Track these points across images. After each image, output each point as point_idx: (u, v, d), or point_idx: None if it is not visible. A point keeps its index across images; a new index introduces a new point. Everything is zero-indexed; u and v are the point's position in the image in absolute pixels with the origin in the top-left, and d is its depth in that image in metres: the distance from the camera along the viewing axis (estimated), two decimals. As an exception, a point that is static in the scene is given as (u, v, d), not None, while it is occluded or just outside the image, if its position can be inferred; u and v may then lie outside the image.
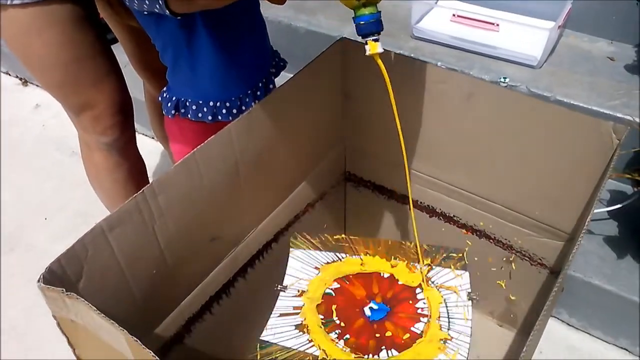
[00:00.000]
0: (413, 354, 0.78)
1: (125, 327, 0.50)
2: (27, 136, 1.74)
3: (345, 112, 1.01)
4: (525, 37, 1.27)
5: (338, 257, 0.91)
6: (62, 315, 0.57)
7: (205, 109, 0.86)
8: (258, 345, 0.80)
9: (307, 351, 0.78)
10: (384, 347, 0.79)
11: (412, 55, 1.31)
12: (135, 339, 0.49)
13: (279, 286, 0.85)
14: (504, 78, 1.23)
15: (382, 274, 0.89)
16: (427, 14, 1.41)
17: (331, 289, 0.87)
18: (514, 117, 0.82)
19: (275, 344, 0.79)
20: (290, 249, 0.88)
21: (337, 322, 0.82)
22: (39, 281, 0.55)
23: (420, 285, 0.87)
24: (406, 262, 0.90)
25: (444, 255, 0.89)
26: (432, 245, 0.90)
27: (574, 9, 1.30)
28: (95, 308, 0.51)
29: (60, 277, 0.58)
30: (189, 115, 0.87)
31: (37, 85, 1.95)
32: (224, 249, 0.85)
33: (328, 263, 0.89)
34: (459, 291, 0.84)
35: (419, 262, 0.89)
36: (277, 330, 0.81)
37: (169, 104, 0.87)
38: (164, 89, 0.89)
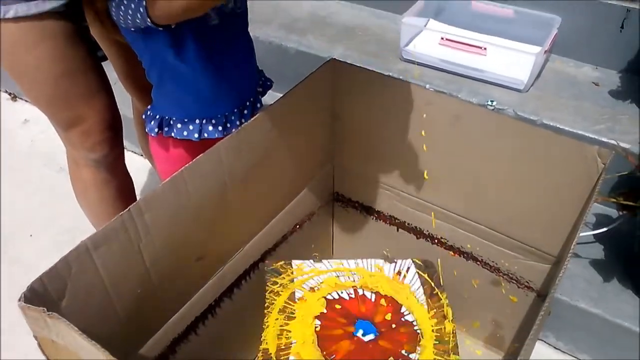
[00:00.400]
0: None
1: (109, 347, 0.49)
2: (15, 151, 1.73)
3: (334, 132, 1.01)
4: (512, 62, 1.29)
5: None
6: (43, 335, 0.56)
7: (191, 127, 0.86)
8: None
9: None
10: (391, 357, 0.79)
11: (400, 77, 1.33)
12: (116, 360, 0.48)
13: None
14: (491, 101, 1.25)
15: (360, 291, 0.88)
16: (415, 36, 1.43)
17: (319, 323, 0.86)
18: (501, 140, 0.83)
19: None
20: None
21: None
22: (20, 300, 0.54)
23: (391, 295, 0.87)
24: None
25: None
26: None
27: (560, 35, 1.32)
28: (76, 328, 0.50)
29: (42, 295, 0.57)
30: (173, 134, 0.86)
31: (26, 101, 1.94)
32: (211, 269, 0.85)
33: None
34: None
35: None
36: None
37: (152, 122, 0.87)
38: (149, 107, 0.89)
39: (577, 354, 1.08)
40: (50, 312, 0.52)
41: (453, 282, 0.99)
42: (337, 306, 0.88)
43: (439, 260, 0.94)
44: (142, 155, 1.45)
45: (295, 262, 0.92)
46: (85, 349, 0.52)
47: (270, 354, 0.79)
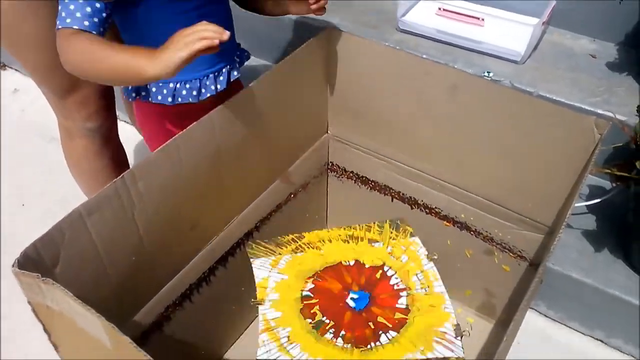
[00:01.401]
0: (414, 329, 0.78)
1: (103, 313, 0.49)
2: (5, 121, 1.70)
3: (329, 102, 1.00)
4: (509, 33, 1.28)
5: (297, 254, 0.90)
6: (37, 301, 0.56)
7: (165, 91, 0.84)
8: None
9: None
10: (381, 331, 0.79)
11: (397, 47, 1.31)
12: (112, 325, 0.49)
13: (254, 300, 0.81)
14: (488, 72, 1.24)
15: (347, 262, 0.88)
16: (412, 7, 1.41)
17: (307, 291, 0.85)
18: (498, 110, 0.82)
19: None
20: (250, 259, 0.85)
21: (327, 321, 0.80)
22: (13, 266, 0.54)
23: (384, 264, 0.87)
24: (364, 240, 0.90)
25: (393, 227, 0.90)
26: (377, 222, 0.91)
27: (557, 7, 1.31)
28: (71, 294, 0.50)
29: (36, 262, 0.57)
30: (150, 98, 0.85)
31: (15, 70, 1.91)
32: (205, 237, 0.85)
33: (289, 262, 0.88)
34: (419, 256, 0.85)
35: (374, 241, 0.90)
36: (271, 346, 0.77)
37: (129, 87, 0.85)
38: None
39: (568, 322, 1.10)
40: (44, 278, 0.51)
41: (447, 251, 0.99)
42: (324, 278, 0.88)
43: (449, 241, 0.96)
44: (130, 123, 1.43)
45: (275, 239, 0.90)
46: (80, 314, 0.52)
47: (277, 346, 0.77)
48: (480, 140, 0.86)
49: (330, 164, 1.10)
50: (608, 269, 1.04)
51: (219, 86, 0.87)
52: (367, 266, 0.87)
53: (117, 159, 1.06)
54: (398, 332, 0.78)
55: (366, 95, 0.95)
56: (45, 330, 0.60)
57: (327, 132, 1.05)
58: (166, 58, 0.65)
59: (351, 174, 1.08)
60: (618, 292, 1.00)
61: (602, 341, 1.07)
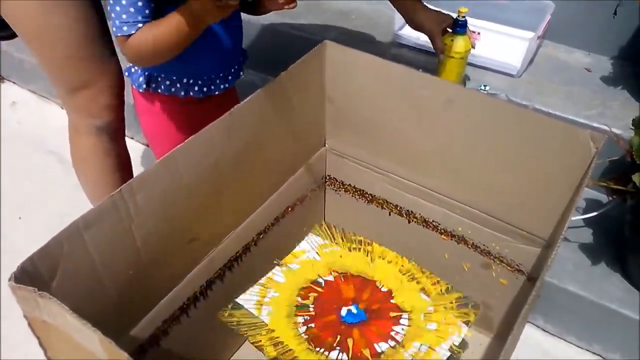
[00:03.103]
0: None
1: (100, 327, 0.49)
2: (3, 134, 1.70)
3: (326, 115, 1.01)
4: (505, 47, 1.29)
5: (348, 250, 0.94)
6: (34, 315, 0.56)
7: (178, 85, 0.90)
8: (231, 305, 0.85)
9: (266, 326, 0.83)
10: (338, 348, 0.80)
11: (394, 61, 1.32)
12: (109, 340, 0.48)
13: (277, 260, 0.92)
14: (484, 86, 1.25)
15: (380, 286, 0.90)
16: (409, 21, 1.42)
17: (323, 279, 0.88)
18: (493, 124, 0.83)
19: (245, 308, 0.85)
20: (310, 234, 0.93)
21: (311, 309, 0.85)
22: (10, 280, 0.54)
23: (412, 312, 0.87)
24: (419, 285, 0.92)
25: (456, 301, 0.90)
26: (454, 288, 0.92)
27: (553, 21, 1.32)
28: (67, 308, 0.50)
29: (33, 275, 0.56)
30: (160, 90, 0.90)
31: (13, 82, 1.92)
32: (202, 251, 0.84)
33: (332, 251, 0.93)
34: (445, 341, 0.83)
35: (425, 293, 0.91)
36: (253, 297, 0.86)
37: (140, 78, 0.90)
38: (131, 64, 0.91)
39: (565, 336, 1.09)
40: (41, 292, 0.51)
41: (444, 265, 0.99)
42: (321, 290, 0.89)
43: (446, 255, 0.98)
44: (133, 139, 1.44)
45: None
46: (76, 328, 0.51)
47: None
48: (476, 154, 0.87)
49: (328, 177, 1.10)
50: (605, 282, 1.04)
51: (227, 85, 0.95)
52: (392, 301, 0.90)
53: (123, 160, 1.07)
54: None
55: (363, 109, 0.95)
56: (41, 344, 0.59)
57: (324, 145, 1.05)
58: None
59: (349, 187, 1.08)
60: (615, 306, 1.00)
61: (600, 356, 1.07)
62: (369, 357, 0.80)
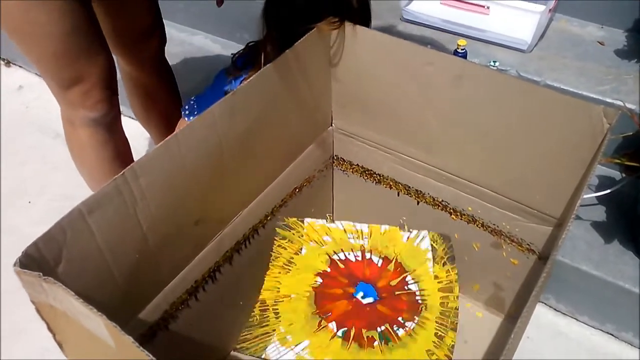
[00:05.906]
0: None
1: (107, 312, 0.48)
2: (9, 118, 1.70)
3: (333, 94, 0.99)
4: (515, 21, 1.26)
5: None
6: (40, 300, 0.55)
7: None
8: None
9: None
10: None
11: (401, 38, 1.29)
12: (115, 324, 0.48)
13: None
14: (494, 62, 1.22)
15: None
16: (417, -4, 1.39)
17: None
18: (504, 101, 0.81)
19: None
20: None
21: (319, 282, 0.87)
22: (15, 265, 0.53)
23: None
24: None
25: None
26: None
27: (565, -7, 1.29)
28: (73, 293, 0.50)
29: (38, 261, 0.56)
30: None
31: (20, 66, 1.91)
32: (209, 233, 0.84)
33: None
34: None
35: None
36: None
37: (187, 111, 0.93)
38: (193, 98, 0.93)
39: (577, 315, 1.08)
40: (46, 277, 0.51)
41: (454, 245, 0.98)
42: (341, 266, 0.89)
43: (456, 235, 0.94)
44: (134, 118, 1.42)
45: (308, 220, 0.93)
46: (83, 313, 0.51)
47: (267, 304, 0.80)
48: (486, 131, 0.85)
49: (336, 158, 1.09)
50: (618, 261, 1.02)
51: None
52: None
53: (121, 150, 1.06)
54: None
55: (370, 87, 0.94)
56: (50, 329, 0.59)
57: (331, 125, 1.04)
58: None
59: (357, 168, 1.07)
60: (628, 285, 0.98)
61: (612, 335, 1.06)
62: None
